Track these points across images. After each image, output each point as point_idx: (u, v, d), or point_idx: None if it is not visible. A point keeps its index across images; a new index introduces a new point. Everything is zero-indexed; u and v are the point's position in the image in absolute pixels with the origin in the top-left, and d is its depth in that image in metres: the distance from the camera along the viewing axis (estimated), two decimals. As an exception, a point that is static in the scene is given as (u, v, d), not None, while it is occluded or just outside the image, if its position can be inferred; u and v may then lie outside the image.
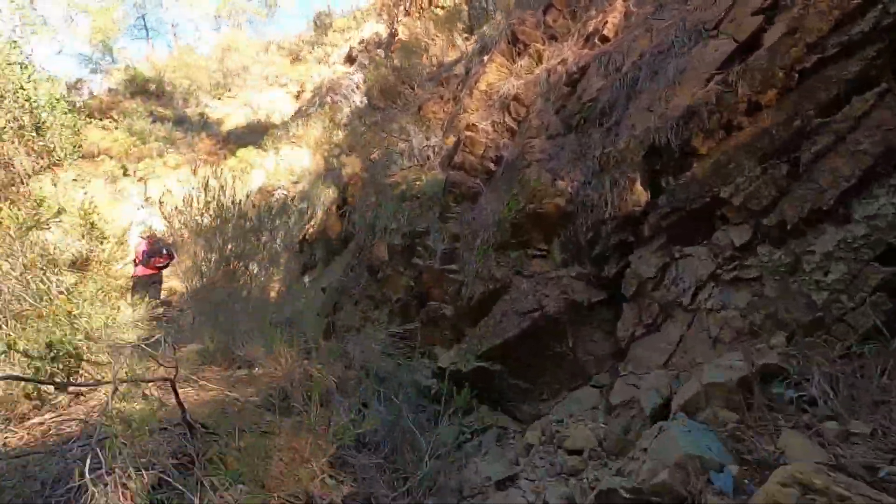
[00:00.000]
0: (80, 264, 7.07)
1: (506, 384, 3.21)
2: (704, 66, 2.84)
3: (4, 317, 2.69)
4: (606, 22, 4.72)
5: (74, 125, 6.69)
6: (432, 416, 3.46)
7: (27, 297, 3.09)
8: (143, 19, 27.15)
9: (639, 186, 2.82)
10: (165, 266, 8.15)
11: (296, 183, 13.75)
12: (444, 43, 8.65)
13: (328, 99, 15.29)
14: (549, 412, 3.09)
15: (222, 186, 5.91)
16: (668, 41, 3.42)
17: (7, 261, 3.06)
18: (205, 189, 5.80)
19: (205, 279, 6.15)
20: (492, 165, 4.76)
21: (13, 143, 5.13)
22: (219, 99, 21.23)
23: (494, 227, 3.83)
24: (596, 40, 4.74)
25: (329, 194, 9.33)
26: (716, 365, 2.08)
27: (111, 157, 14.68)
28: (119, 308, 6.99)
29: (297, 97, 20.41)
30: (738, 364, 2.02)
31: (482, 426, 3.25)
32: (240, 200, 6.44)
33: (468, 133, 4.91)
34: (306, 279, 9.09)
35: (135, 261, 7.87)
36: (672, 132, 2.72)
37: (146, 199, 13.76)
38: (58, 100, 6.71)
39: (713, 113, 2.55)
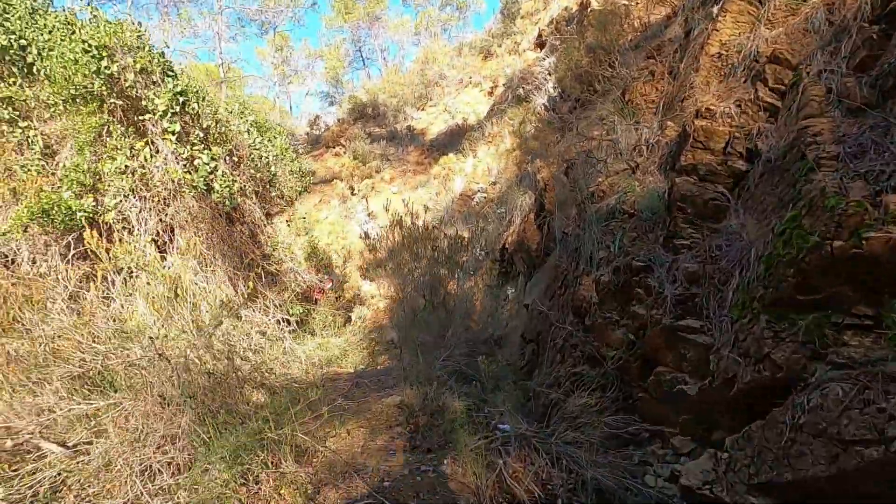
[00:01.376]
0: (308, 294, 8.02)
1: (809, 541, 1.99)
2: None
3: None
4: None
5: (299, 170, 7.54)
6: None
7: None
8: (360, 51, 30.95)
9: None
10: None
11: (494, 184, 13.51)
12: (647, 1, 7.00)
13: (520, 90, 14.62)
14: None
15: (409, 215, 5.82)
16: None
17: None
18: (398, 223, 5.74)
19: (408, 296, 6.18)
20: (741, 165, 3.32)
21: (251, 198, 5.88)
22: (422, 110, 22.67)
23: (760, 267, 2.52)
24: (930, -68, 2.83)
25: (525, 200, 8.65)
26: None
27: (341, 180, 16.92)
28: (343, 332, 7.65)
29: (491, 93, 20.31)
30: None
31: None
32: (431, 227, 6.31)
33: (700, 122, 3.54)
34: (509, 291, 8.65)
35: None
36: None
37: (369, 214, 15.39)
38: (285, 150, 7.62)
39: None
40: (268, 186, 6.30)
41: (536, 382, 3.98)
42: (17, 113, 4.64)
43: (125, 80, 4.56)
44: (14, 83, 4.62)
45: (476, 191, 13.40)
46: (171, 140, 4.68)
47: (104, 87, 4.36)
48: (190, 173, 4.83)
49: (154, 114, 4.63)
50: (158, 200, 4.66)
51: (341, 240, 13.30)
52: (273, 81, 31.50)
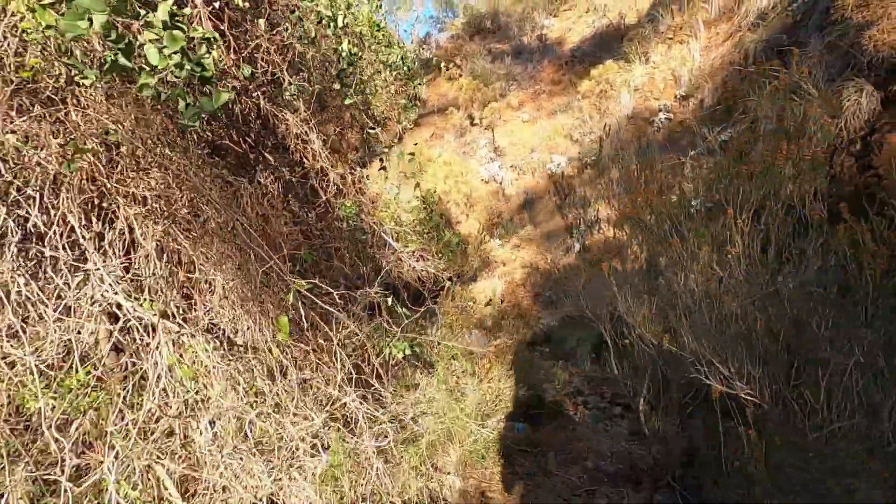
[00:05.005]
0: (427, 290, 4.54)
1: None
2: None
3: None
4: None
5: (402, 63, 3.94)
6: None
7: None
8: (474, -43, 25.68)
9: None
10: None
11: (684, 98, 8.83)
12: None
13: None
14: None
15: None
16: None
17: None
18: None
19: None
20: None
21: (295, 112, 2.52)
22: (555, 16, 17.57)
23: None
24: None
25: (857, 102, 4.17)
26: None
27: (457, 108, 13.19)
28: (478, 365, 4.19)
29: (653, -19, 14.63)
30: None
31: None
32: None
33: None
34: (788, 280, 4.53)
35: None
36: None
37: (495, 150, 11.59)
38: (376, 26, 4.07)
39: None
40: (334, 91, 2.89)
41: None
42: None
43: None
44: None
45: (657, 109, 8.86)
46: None
47: None
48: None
49: None
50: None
51: (461, 184, 9.84)
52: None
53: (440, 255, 3.63)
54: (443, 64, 13.24)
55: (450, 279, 3.94)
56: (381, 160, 3.85)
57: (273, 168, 2.41)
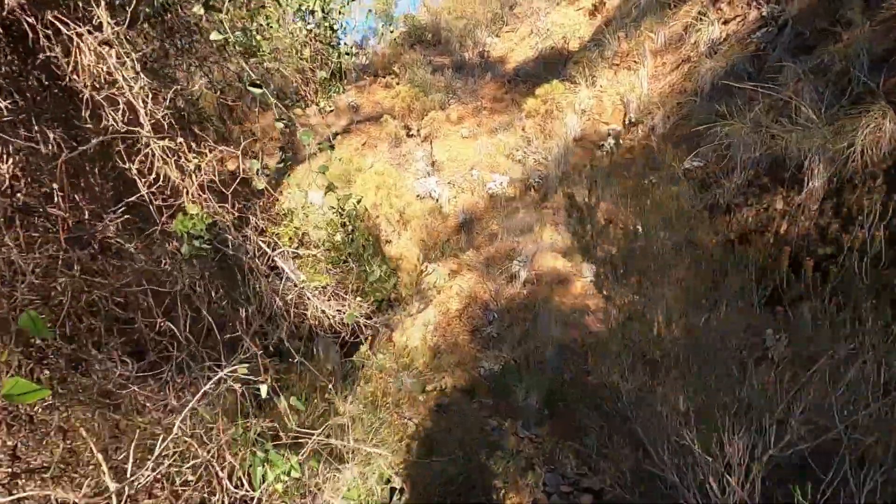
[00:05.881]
0: (343, 341, 3.19)
1: None
2: None
3: None
4: None
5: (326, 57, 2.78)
6: None
7: None
8: (418, -29, 25.12)
9: None
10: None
11: (633, 125, 8.42)
12: None
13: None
14: None
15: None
16: None
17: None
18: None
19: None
20: None
21: None
22: (497, 36, 17.25)
23: None
24: None
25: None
26: None
27: (393, 117, 12.09)
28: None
29: (594, 13, 14.72)
30: None
31: None
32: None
33: None
34: (774, 337, 3.78)
35: None
36: None
37: (432, 164, 10.59)
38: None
39: None
40: (192, 17, 1.70)
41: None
42: None
43: None
44: None
45: (605, 134, 8.36)
46: None
47: None
48: None
49: None
50: None
51: (394, 198, 8.68)
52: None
53: (361, 292, 2.47)
54: (393, 31, 12.16)
55: (375, 328, 2.75)
56: (283, 150, 2.61)
57: (7, 123, 1.13)
